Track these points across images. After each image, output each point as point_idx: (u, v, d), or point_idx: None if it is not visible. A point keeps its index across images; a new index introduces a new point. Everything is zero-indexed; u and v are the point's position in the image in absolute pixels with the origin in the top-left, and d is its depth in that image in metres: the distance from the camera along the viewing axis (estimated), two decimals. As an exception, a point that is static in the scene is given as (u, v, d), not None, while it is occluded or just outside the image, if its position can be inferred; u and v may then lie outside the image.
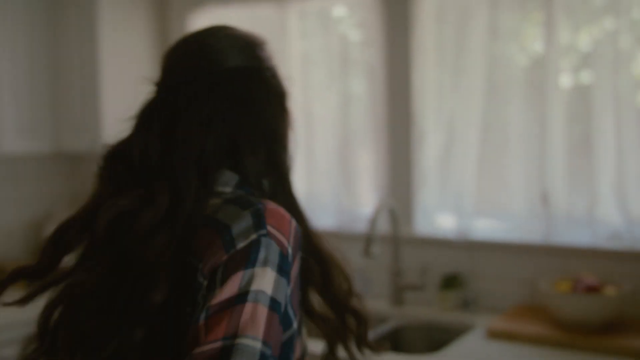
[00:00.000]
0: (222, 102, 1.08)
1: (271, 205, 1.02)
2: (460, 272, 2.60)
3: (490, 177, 2.58)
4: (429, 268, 2.64)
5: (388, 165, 2.77)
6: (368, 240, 2.45)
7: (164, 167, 1.05)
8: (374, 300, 2.72)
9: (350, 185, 2.83)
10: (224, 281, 0.93)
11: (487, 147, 2.55)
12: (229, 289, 0.92)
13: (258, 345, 0.89)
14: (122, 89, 3.10)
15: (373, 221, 2.47)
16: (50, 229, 3.31)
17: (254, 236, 0.97)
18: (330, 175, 2.87)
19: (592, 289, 2.15)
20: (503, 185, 2.56)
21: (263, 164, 1.11)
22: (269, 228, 0.98)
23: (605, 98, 2.31)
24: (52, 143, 3.20)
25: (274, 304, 0.94)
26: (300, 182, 2.94)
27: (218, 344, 0.87)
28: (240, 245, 0.96)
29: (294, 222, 1.04)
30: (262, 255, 0.95)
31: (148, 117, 1.10)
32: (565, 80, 2.40)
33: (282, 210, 1.03)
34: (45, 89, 3.17)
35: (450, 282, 2.58)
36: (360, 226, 2.74)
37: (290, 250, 1.00)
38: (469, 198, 2.57)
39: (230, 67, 1.10)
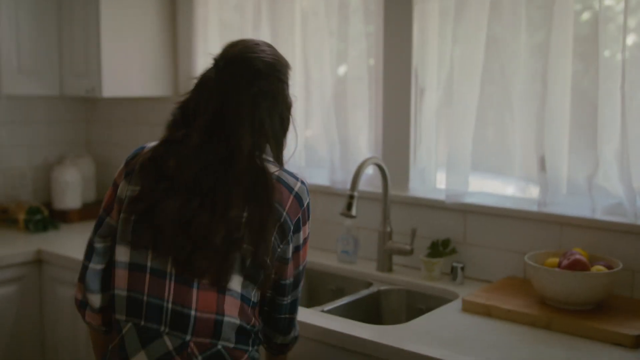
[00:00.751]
0: (257, 92, 1.52)
1: (304, 179, 1.61)
2: (452, 238, 2.42)
3: (488, 139, 2.37)
4: (420, 232, 2.47)
5: (384, 122, 2.59)
6: (349, 198, 2.29)
7: (217, 120, 1.50)
8: (362, 263, 2.58)
9: (346, 143, 2.66)
10: (302, 227, 1.59)
11: (486, 106, 2.33)
12: (303, 235, 1.61)
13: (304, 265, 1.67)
14: (121, 41, 3.05)
15: (355, 178, 2.30)
16: (60, 171, 3.35)
17: (308, 200, 1.60)
18: (326, 131, 2.70)
19: (578, 266, 1.93)
20: (502, 148, 2.35)
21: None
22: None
23: (613, 59, 2.04)
24: (57, 87, 3.17)
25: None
26: (298, 138, 2.80)
27: (301, 267, 1.64)
28: (304, 205, 1.59)
29: None
30: (310, 213, 1.62)
31: (205, 81, 1.56)
32: (571, 36, 2.14)
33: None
34: (51, 38, 3.13)
35: (440, 248, 2.40)
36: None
37: None
38: (465, 160, 2.35)
39: (263, 70, 1.54)
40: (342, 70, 2.65)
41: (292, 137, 1.72)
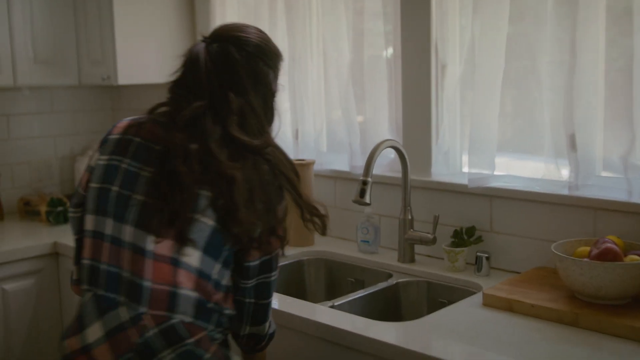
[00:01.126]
0: (244, 71, 1.52)
1: None
2: (477, 226, 2.23)
3: (514, 116, 2.17)
4: (443, 219, 2.29)
5: (404, 102, 2.41)
6: (361, 184, 2.13)
7: (216, 90, 1.49)
8: (384, 252, 2.43)
9: (365, 126, 2.50)
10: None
11: (512, 80, 2.13)
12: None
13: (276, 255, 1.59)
14: (136, 26, 2.98)
15: (368, 162, 2.14)
16: (82, 162, 3.34)
17: None
18: (345, 114, 2.55)
19: (609, 255, 1.73)
20: (529, 126, 2.15)
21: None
22: None
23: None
24: (76, 76, 3.12)
25: None
26: (317, 121, 2.69)
27: (272, 254, 1.57)
28: None
29: None
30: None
31: (195, 58, 1.53)
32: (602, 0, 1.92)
33: None
34: (67, 26, 3.08)
35: (465, 236, 2.22)
36: (376, 169, 2.41)
37: None
38: (490, 140, 2.16)
39: (247, 49, 1.53)
40: (359, 47, 2.48)
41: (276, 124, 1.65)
